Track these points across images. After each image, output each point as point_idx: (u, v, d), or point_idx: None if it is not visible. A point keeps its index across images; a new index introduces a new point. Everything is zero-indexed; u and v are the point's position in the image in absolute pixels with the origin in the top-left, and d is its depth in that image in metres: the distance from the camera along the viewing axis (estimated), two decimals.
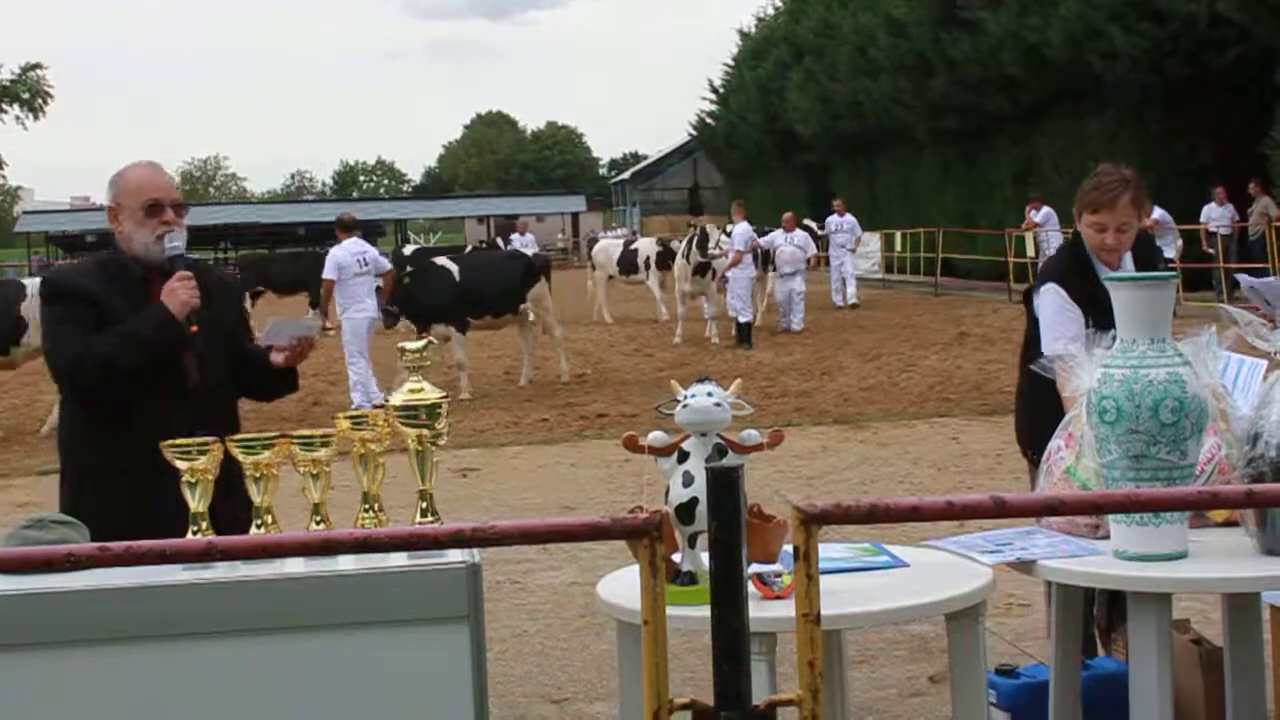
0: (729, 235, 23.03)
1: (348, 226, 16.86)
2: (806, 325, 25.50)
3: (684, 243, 24.31)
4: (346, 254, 16.36)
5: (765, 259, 25.40)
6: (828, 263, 31.83)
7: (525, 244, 31.65)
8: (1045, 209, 30.13)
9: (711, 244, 22.94)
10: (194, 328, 4.54)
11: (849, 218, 31.25)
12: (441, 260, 18.62)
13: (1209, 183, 28.07)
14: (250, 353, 4.80)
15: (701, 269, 23.23)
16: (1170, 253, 21.54)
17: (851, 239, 31.00)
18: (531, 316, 18.28)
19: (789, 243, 25.47)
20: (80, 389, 4.58)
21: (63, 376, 4.63)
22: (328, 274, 16.51)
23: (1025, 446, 5.67)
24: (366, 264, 16.43)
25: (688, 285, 23.70)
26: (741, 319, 22.68)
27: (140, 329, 4.51)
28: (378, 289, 16.72)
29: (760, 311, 25.41)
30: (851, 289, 30.60)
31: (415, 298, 17.29)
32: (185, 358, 4.58)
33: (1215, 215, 27.65)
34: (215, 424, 4.04)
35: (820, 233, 30.61)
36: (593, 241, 76.65)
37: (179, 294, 4.53)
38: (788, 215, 26.45)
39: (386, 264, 17.16)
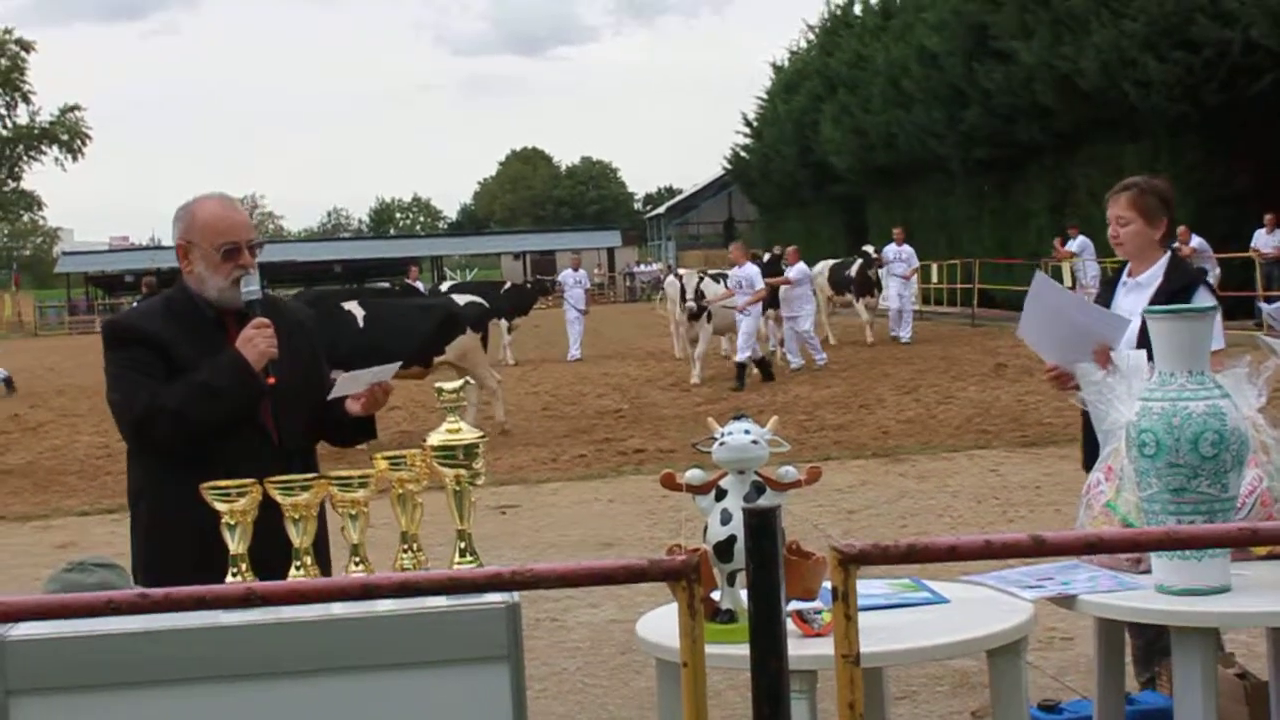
0: (706, 278, 22.73)
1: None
2: (841, 358, 25.44)
3: (679, 289, 24.13)
4: None
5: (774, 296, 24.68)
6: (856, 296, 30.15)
7: (579, 280, 31.73)
8: (1081, 238, 30.07)
9: (689, 292, 22.74)
10: (271, 379, 4.33)
11: (907, 247, 30.35)
12: (348, 304, 17.09)
13: (1248, 209, 27.96)
14: (328, 399, 4.53)
15: (694, 315, 22.87)
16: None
17: (907, 268, 30.02)
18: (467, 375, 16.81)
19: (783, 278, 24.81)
20: (149, 443, 4.34)
21: (130, 429, 4.36)
22: None
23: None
24: None
25: (689, 331, 23.63)
26: (739, 357, 22.00)
27: (214, 379, 4.28)
28: None
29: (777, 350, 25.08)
30: (907, 327, 29.28)
31: None
32: (263, 410, 4.38)
33: (1262, 242, 27.58)
34: (295, 474, 3.76)
35: (875, 258, 29.49)
36: (629, 275, 77.25)
37: (257, 344, 4.31)
38: (791, 248, 26.03)
39: None
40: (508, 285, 32.16)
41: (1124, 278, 5.77)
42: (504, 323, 29.78)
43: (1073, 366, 4.81)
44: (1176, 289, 5.48)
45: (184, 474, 4.00)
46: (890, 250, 30.08)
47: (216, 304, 4.42)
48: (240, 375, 4.30)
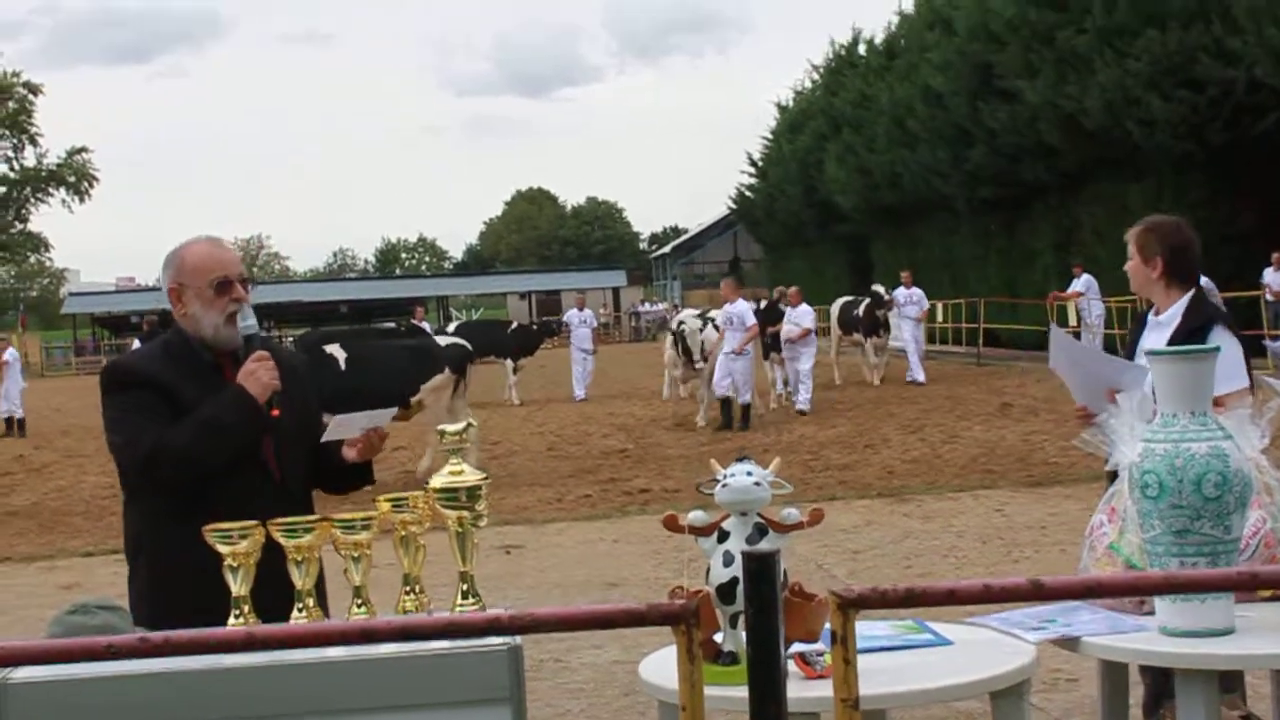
0: (709, 323, 22.28)
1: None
2: (846, 398, 25.42)
3: (669, 334, 23.53)
4: None
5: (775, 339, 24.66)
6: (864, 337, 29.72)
7: (585, 319, 31.63)
8: (1086, 276, 30.06)
9: (696, 354, 22.30)
10: (275, 411, 4.33)
11: (917, 289, 29.97)
12: (329, 347, 17.01)
13: (1253, 247, 27.98)
14: (323, 444, 4.51)
15: (690, 366, 22.64)
16: None
17: (919, 310, 29.63)
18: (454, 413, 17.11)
19: (789, 320, 24.50)
20: (155, 484, 4.28)
21: (136, 470, 4.31)
22: None
23: None
24: None
25: (678, 372, 23.22)
26: (742, 399, 21.61)
27: (221, 415, 4.26)
28: None
29: (780, 392, 24.96)
30: (919, 370, 28.79)
31: None
32: (264, 448, 4.36)
33: (1272, 280, 27.65)
34: (296, 513, 3.78)
35: (886, 299, 28.89)
36: (635, 314, 77.33)
37: (260, 376, 4.31)
38: (793, 289, 25.63)
39: None
40: (514, 325, 32.17)
41: (1150, 315, 5.76)
42: (509, 363, 29.83)
43: (1098, 407, 4.81)
44: (1194, 328, 5.44)
45: (187, 515, 3.96)
46: (900, 293, 29.59)
47: (213, 343, 4.41)
48: (245, 409, 4.28)
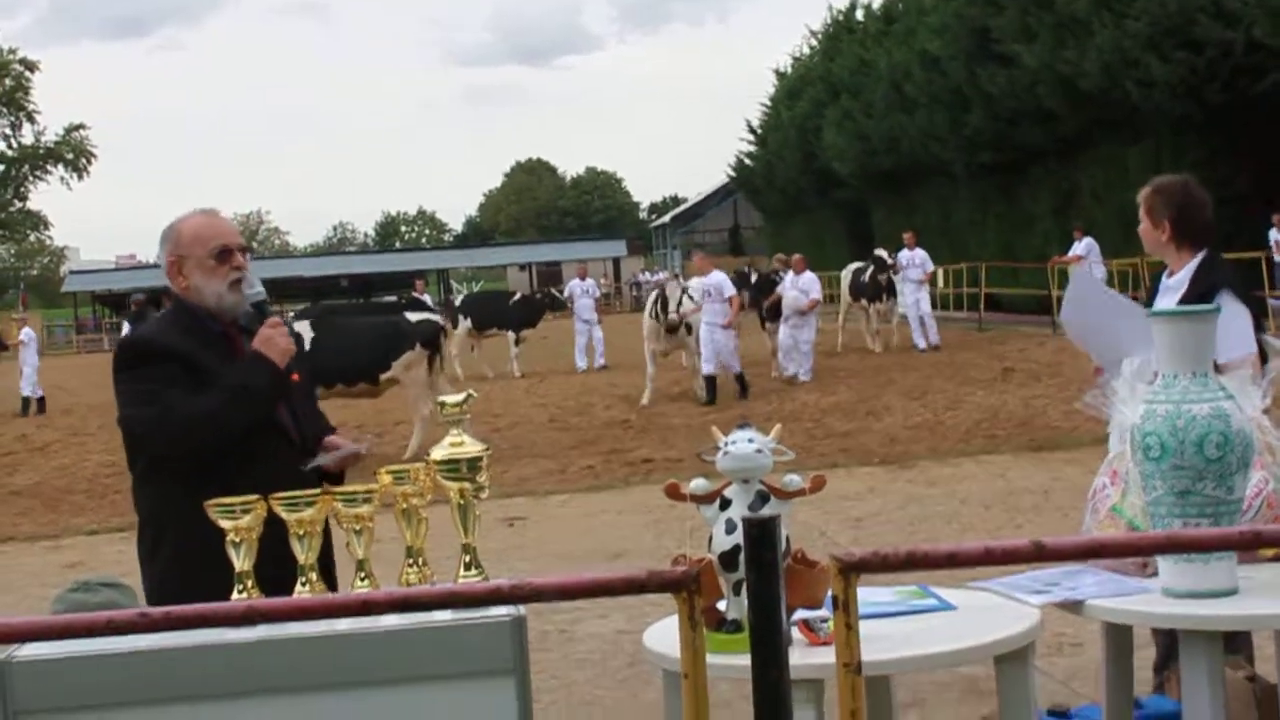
0: (689, 294, 21.54)
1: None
2: (848, 365, 25.40)
3: (649, 302, 22.53)
4: None
5: (775, 309, 24.30)
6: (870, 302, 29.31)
7: (587, 289, 31.43)
8: (1087, 239, 29.98)
9: (673, 305, 21.35)
10: (295, 375, 4.40)
11: (920, 251, 29.37)
12: (299, 324, 16.86)
13: (1250, 208, 27.95)
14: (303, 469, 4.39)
15: (672, 328, 21.54)
16: None
17: (923, 273, 29.03)
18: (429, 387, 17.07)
19: (794, 286, 23.98)
20: (183, 453, 4.23)
21: (166, 441, 4.26)
22: None
23: None
24: None
25: (658, 344, 22.11)
26: (718, 370, 21.13)
27: (248, 381, 4.29)
28: None
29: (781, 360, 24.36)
30: (933, 330, 28.37)
31: None
32: (280, 410, 4.39)
33: (1278, 238, 27.75)
34: (307, 480, 3.86)
35: (890, 263, 28.69)
36: (636, 285, 77.26)
37: (277, 341, 4.34)
38: (797, 257, 25.03)
39: None
40: (517, 296, 32.12)
41: (1164, 277, 5.70)
42: (512, 334, 29.82)
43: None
44: (1202, 292, 5.36)
45: (209, 486, 3.76)
46: (904, 255, 29.17)
47: (217, 311, 4.41)
48: (269, 374, 4.32)
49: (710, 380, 21.13)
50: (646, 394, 21.62)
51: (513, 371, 28.93)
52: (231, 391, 4.26)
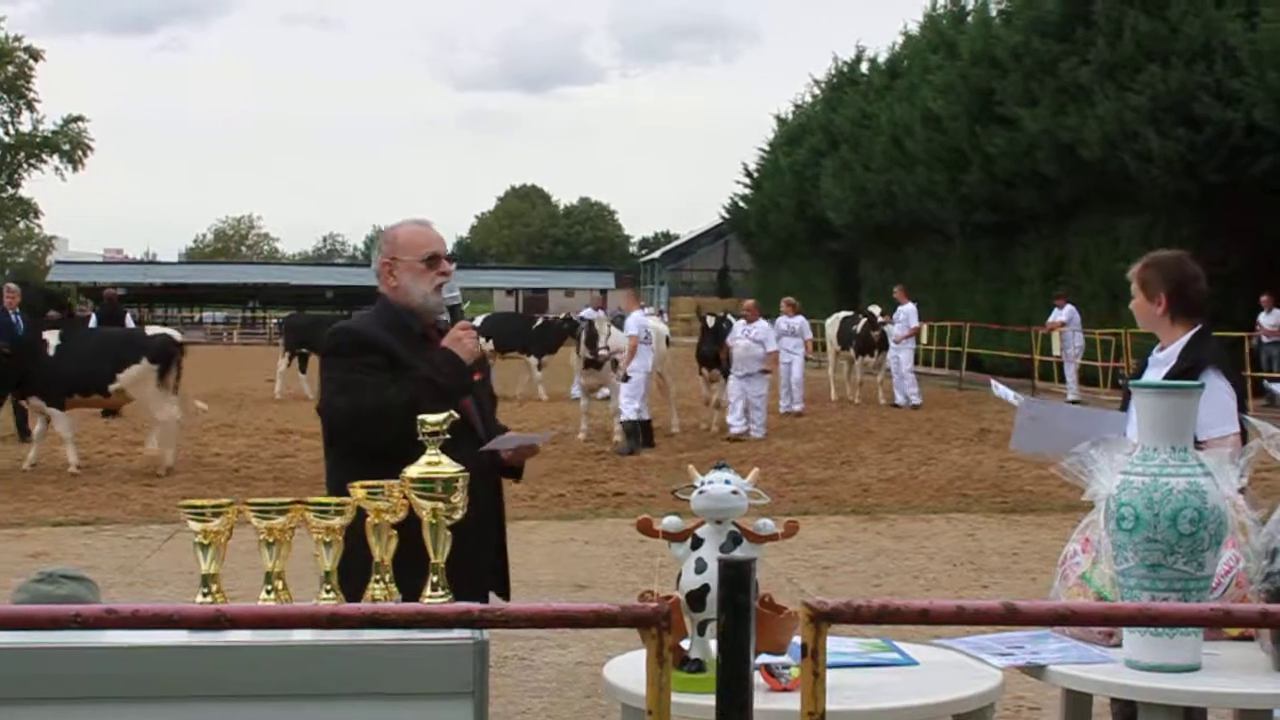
0: (619, 328, 21.26)
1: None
2: (826, 413, 25.37)
3: (579, 339, 21.76)
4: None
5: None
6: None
7: (597, 318, 31.06)
8: (1069, 307, 30.04)
9: (600, 341, 20.85)
10: (477, 375, 4.79)
11: (909, 305, 28.93)
12: (47, 333, 17.67)
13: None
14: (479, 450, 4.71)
15: (591, 364, 21.05)
16: None
17: (906, 328, 28.53)
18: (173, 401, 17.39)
19: (745, 335, 21.73)
20: (379, 439, 4.41)
21: (359, 432, 4.61)
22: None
23: None
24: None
25: (586, 380, 21.82)
26: (625, 416, 20.09)
27: (436, 375, 4.65)
28: None
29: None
30: (914, 391, 27.89)
31: (16, 367, 17.18)
32: (467, 406, 4.66)
33: (1265, 321, 27.89)
34: (489, 472, 4.25)
35: (881, 321, 28.41)
36: (619, 318, 77.02)
37: (465, 343, 4.75)
38: (749, 303, 23.21)
39: None
40: (539, 321, 31.97)
41: (1154, 352, 5.67)
42: (534, 360, 29.82)
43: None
44: (1187, 367, 5.32)
45: (397, 471, 3.71)
46: (900, 311, 28.82)
47: (420, 311, 4.82)
48: (457, 370, 4.72)
49: (628, 426, 20.09)
50: (581, 429, 21.31)
51: (539, 395, 29.02)
52: (424, 382, 4.60)
